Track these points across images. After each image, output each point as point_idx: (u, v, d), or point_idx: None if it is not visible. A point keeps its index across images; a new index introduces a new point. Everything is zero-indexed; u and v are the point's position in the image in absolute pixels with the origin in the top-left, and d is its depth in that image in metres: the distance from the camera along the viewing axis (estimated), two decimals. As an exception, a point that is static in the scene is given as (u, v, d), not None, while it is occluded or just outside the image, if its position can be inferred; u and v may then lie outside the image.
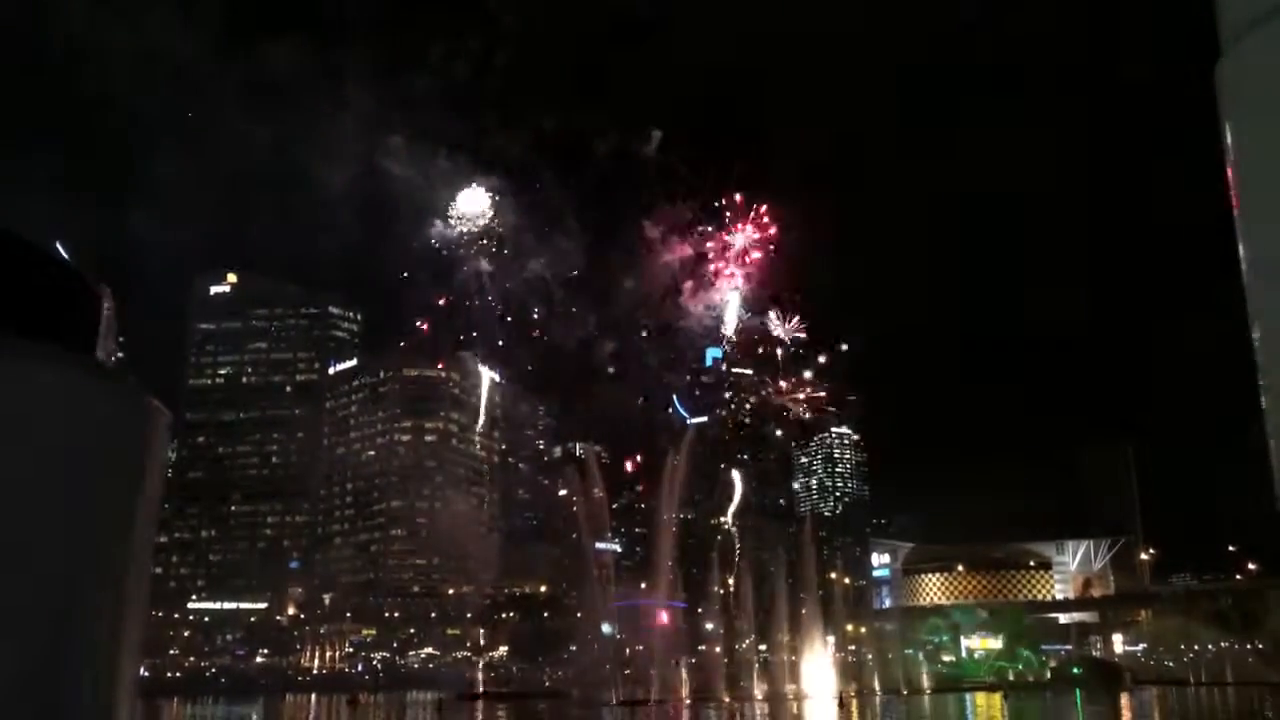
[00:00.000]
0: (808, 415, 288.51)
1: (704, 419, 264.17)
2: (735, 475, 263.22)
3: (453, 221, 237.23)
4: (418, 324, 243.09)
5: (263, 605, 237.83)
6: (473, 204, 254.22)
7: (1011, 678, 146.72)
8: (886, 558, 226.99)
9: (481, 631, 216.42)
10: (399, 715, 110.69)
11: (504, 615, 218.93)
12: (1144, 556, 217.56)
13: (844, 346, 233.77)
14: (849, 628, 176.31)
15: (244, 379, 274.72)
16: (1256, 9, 1.84)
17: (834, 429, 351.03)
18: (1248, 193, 1.95)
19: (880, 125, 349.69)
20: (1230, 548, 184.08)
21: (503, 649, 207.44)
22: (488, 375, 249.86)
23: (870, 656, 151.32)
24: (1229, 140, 1.98)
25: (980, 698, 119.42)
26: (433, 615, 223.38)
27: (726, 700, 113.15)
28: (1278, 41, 1.81)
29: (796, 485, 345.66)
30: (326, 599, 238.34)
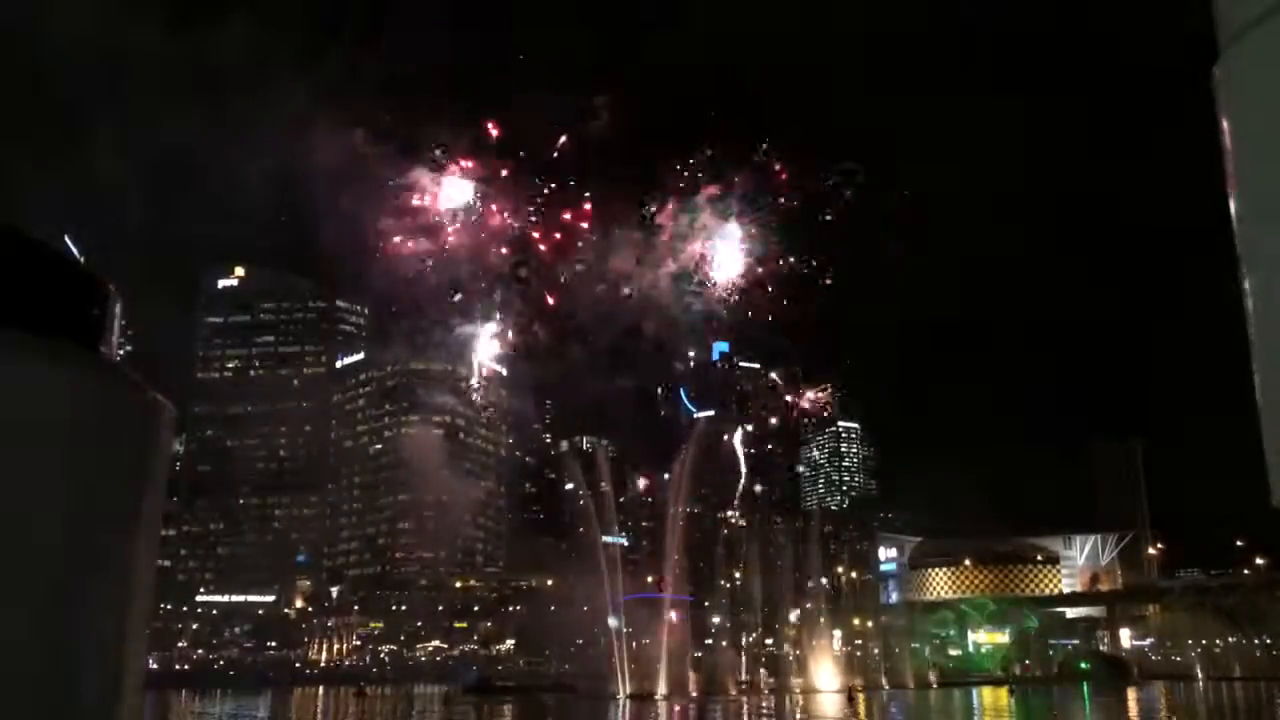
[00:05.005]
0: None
1: (710, 412, 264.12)
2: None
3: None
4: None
5: (270, 598, 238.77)
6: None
7: (1018, 672, 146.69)
8: (894, 552, 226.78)
9: (488, 625, 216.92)
10: (406, 707, 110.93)
11: (510, 608, 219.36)
12: (1152, 551, 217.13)
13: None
14: (856, 622, 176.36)
15: (251, 372, 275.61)
16: (1254, 9, 1.85)
17: (841, 423, 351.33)
18: (1246, 192, 1.96)
19: (887, 117, 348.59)
20: (1238, 543, 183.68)
21: (509, 642, 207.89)
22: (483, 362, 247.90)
23: (877, 651, 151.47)
24: (1227, 140, 1.99)
25: (987, 693, 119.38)
26: (440, 608, 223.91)
27: (733, 694, 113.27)
28: (1276, 41, 1.82)
29: (803, 479, 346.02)
30: (334, 592, 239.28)
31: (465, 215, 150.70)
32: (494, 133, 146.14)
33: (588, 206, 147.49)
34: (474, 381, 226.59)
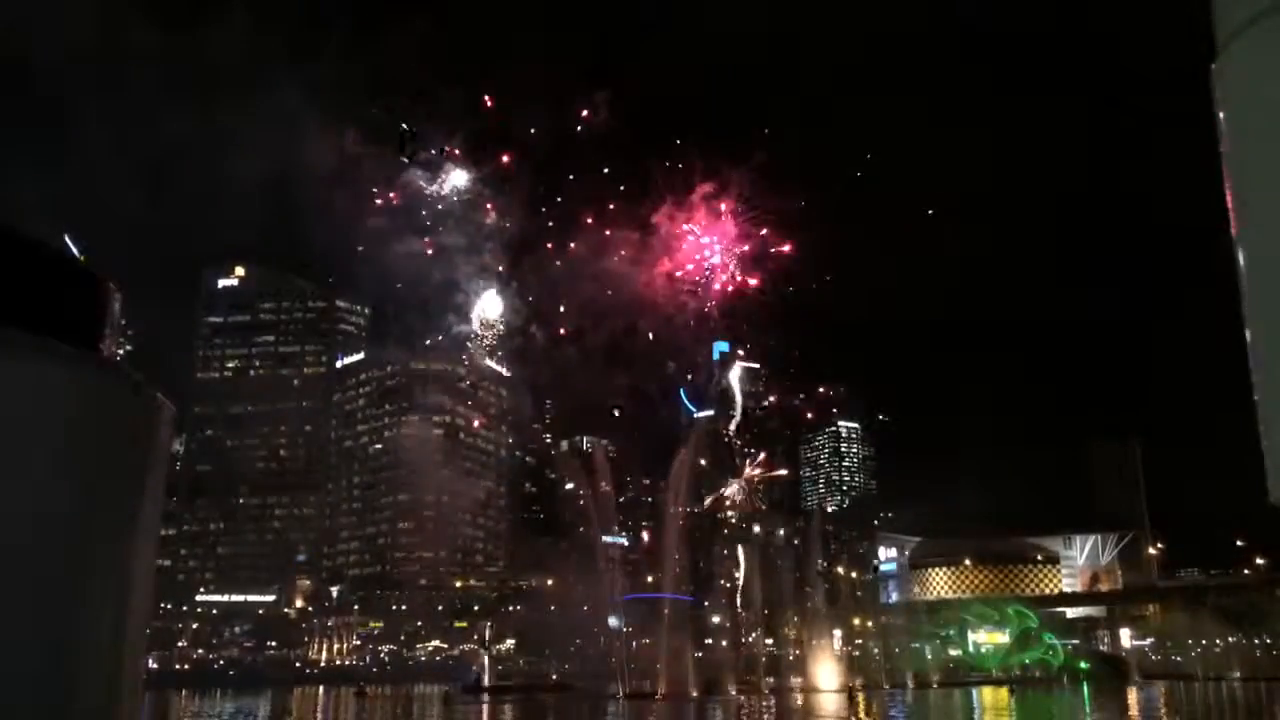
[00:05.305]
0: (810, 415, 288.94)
1: (710, 412, 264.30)
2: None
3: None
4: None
5: (270, 598, 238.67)
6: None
7: (1018, 672, 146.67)
8: (893, 552, 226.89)
9: (488, 624, 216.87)
10: (406, 707, 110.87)
11: (510, 608, 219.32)
12: (1152, 551, 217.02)
13: None
14: (856, 622, 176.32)
15: (252, 372, 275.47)
16: (1252, 8, 1.86)
17: (841, 423, 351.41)
18: (1243, 191, 1.97)
19: (887, 117, 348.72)
20: (1239, 543, 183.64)
21: (509, 642, 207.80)
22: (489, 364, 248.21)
23: (877, 651, 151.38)
24: (1225, 139, 2.00)
25: (987, 692, 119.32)
26: (439, 608, 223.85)
27: (733, 694, 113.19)
28: (1274, 40, 1.82)
29: (803, 479, 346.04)
30: (334, 592, 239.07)
31: (464, 210, 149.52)
32: (488, 103, 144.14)
33: (611, 205, 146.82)
34: (473, 344, 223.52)
